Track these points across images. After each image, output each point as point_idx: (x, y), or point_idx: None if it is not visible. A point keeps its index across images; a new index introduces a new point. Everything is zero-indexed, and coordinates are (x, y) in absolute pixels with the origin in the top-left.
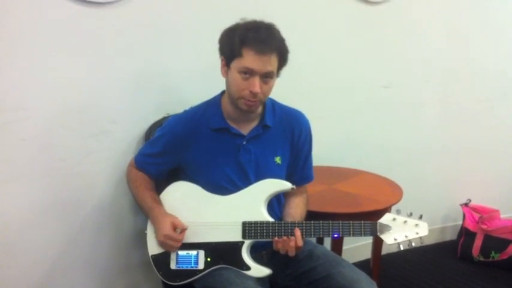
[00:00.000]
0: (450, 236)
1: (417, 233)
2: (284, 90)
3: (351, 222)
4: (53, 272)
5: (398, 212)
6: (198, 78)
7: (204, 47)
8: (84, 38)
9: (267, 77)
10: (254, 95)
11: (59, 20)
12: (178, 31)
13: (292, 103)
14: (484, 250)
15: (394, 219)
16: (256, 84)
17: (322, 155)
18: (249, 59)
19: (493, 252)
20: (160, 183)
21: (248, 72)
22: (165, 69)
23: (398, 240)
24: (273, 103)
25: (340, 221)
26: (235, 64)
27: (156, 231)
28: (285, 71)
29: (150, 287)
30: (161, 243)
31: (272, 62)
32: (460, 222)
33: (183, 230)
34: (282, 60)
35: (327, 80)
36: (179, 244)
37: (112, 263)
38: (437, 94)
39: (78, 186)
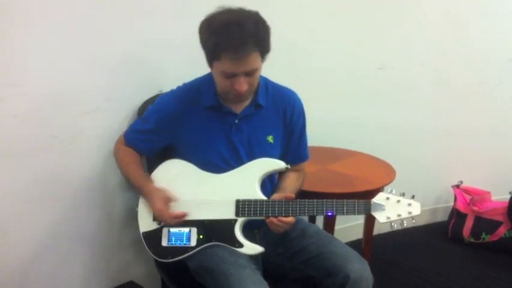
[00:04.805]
0: (441, 217)
1: (410, 212)
2: (279, 71)
3: (345, 200)
4: (43, 250)
5: (391, 191)
6: (191, 55)
7: (198, 23)
8: (77, 15)
9: (251, 73)
10: (240, 91)
11: None
12: (171, 7)
13: (288, 84)
14: (475, 231)
15: (387, 198)
16: (240, 83)
17: (316, 135)
18: (227, 64)
19: (483, 233)
20: (154, 161)
21: (230, 75)
22: (158, 46)
23: (391, 219)
24: (266, 82)
25: (334, 200)
26: (216, 66)
27: (151, 206)
28: (280, 52)
29: (143, 265)
30: (156, 218)
31: (252, 60)
32: (451, 204)
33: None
34: (264, 51)
35: (322, 61)
36: (172, 220)
37: (104, 240)
38: (432, 77)
39: (70, 163)
